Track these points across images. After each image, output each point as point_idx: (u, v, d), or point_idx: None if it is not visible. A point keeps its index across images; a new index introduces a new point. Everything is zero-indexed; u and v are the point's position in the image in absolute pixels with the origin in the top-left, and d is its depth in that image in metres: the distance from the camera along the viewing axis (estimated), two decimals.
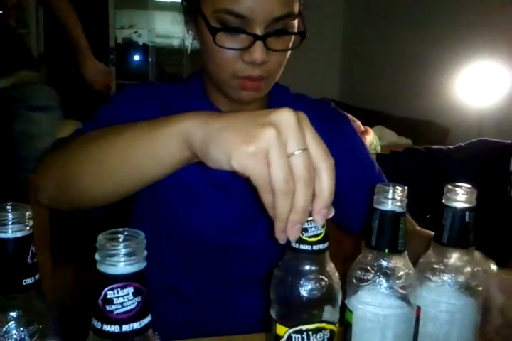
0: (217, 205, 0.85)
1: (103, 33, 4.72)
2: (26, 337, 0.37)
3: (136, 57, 5.38)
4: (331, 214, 0.49)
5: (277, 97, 0.89)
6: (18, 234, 0.36)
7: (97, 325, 0.34)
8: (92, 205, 0.69)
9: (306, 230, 0.48)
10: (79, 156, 0.64)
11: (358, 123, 2.78)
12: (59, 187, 0.67)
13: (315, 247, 0.48)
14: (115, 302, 0.33)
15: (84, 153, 0.63)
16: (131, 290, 0.34)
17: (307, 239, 0.48)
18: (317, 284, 0.48)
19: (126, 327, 0.34)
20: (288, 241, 0.49)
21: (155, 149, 0.55)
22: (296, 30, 0.76)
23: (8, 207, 0.36)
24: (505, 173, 1.61)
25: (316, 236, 0.48)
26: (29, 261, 0.37)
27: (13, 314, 0.37)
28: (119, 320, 0.34)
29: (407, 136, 3.24)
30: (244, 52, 0.72)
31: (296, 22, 0.75)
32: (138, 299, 0.34)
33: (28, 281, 0.37)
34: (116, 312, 0.34)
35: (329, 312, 0.49)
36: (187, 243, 0.85)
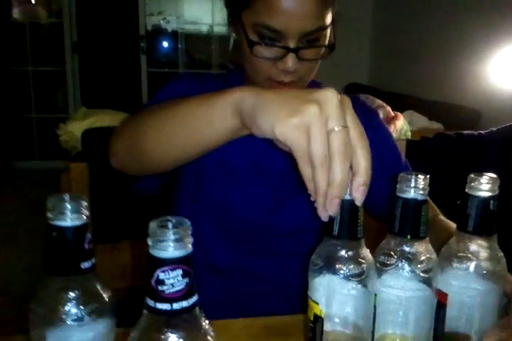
0: (256, 187, 0.92)
1: (133, 20, 4.75)
2: (85, 316, 0.42)
3: (166, 45, 5.40)
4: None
5: None
6: (76, 223, 0.40)
7: (151, 303, 0.38)
8: (156, 168, 0.76)
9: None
10: (144, 124, 0.72)
11: (388, 108, 2.78)
12: (128, 150, 0.75)
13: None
14: (166, 283, 0.38)
15: (149, 121, 0.71)
16: (180, 272, 0.38)
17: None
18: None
19: (176, 305, 0.38)
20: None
21: (210, 116, 0.61)
22: (327, 40, 0.83)
23: (66, 197, 0.41)
24: None
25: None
26: (86, 246, 0.41)
27: (72, 294, 0.41)
28: (170, 299, 0.38)
29: (439, 121, 3.20)
30: (278, 61, 0.79)
31: (328, 32, 0.82)
32: (186, 280, 0.38)
33: (86, 265, 0.41)
34: (167, 291, 0.38)
35: None
36: (227, 221, 0.91)
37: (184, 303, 0.39)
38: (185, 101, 0.66)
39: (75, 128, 2.13)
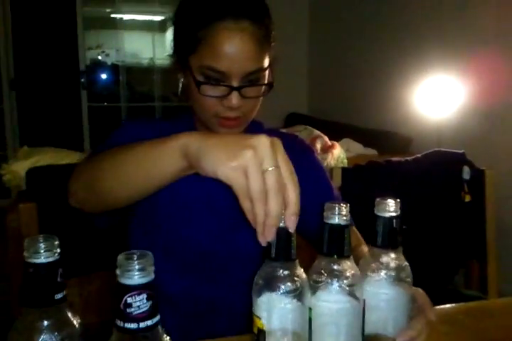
0: (205, 219, 1.00)
1: (71, 55, 4.73)
2: None
3: (107, 78, 5.39)
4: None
5: (253, 132, 1.04)
6: (50, 259, 0.47)
7: (120, 323, 0.45)
8: (113, 205, 0.84)
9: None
10: (101, 165, 0.80)
11: (326, 138, 2.94)
12: (86, 190, 0.83)
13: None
14: (133, 306, 0.44)
15: (106, 163, 0.79)
16: (144, 296, 0.45)
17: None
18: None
19: (142, 324, 0.45)
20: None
21: (161, 159, 0.70)
22: (266, 79, 0.93)
23: (40, 238, 0.47)
24: (459, 181, 1.75)
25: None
26: (59, 279, 0.47)
27: (47, 323, 0.47)
28: (137, 319, 0.45)
29: (373, 147, 3.39)
30: (223, 99, 0.89)
31: (267, 73, 0.93)
32: (150, 302, 0.45)
33: (59, 296, 0.47)
34: (134, 313, 0.45)
35: None
36: (179, 250, 0.98)
37: (149, 322, 0.45)
38: (139, 146, 0.75)
39: (18, 168, 2.13)
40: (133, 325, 0.45)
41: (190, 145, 0.66)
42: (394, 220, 0.68)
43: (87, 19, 4.76)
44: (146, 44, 5.20)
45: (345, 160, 2.77)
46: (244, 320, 0.80)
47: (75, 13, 4.67)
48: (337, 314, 0.63)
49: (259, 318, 0.61)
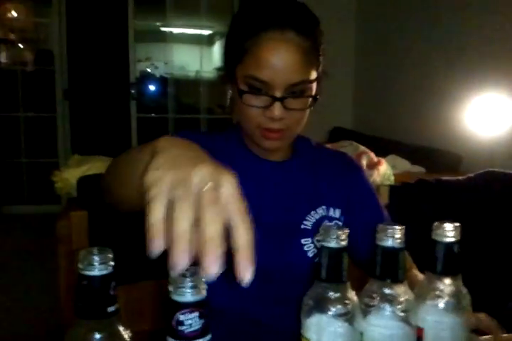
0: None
1: (122, 67, 4.87)
2: None
3: (155, 90, 5.53)
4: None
5: (301, 147, 1.07)
6: (104, 272, 0.47)
7: None
8: (125, 207, 0.78)
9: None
10: (111, 167, 0.81)
11: (372, 154, 2.89)
12: (105, 188, 0.83)
13: None
14: (185, 324, 0.44)
15: (112, 167, 0.80)
16: (197, 314, 0.45)
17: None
18: None
19: None
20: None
21: (140, 160, 0.61)
22: (312, 93, 0.92)
23: (94, 250, 0.48)
24: None
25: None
26: (111, 292, 0.48)
27: (99, 335, 0.47)
28: (189, 338, 0.45)
29: (421, 164, 3.30)
30: (266, 110, 0.89)
31: (313, 85, 0.92)
32: (202, 321, 0.45)
33: (111, 309, 0.47)
34: (186, 331, 0.44)
35: None
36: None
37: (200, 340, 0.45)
38: (134, 149, 0.72)
39: (70, 175, 2.19)
40: None
41: (157, 148, 0.57)
42: (454, 246, 0.65)
43: (138, 32, 4.90)
44: (193, 57, 5.31)
45: (392, 177, 2.72)
46: (291, 339, 0.79)
47: (127, 26, 4.82)
48: (389, 340, 0.61)
49: (309, 340, 0.60)
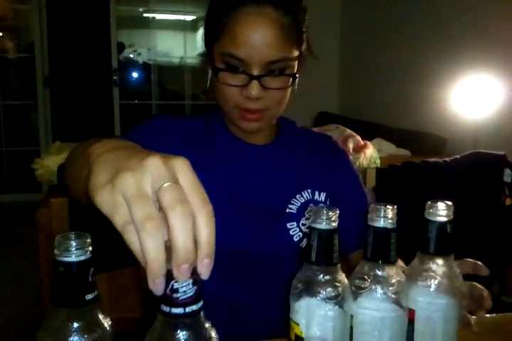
0: (241, 222, 0.93)
1: (105, 53, 4.80)
2: None
3: (138, 77, 5.47)
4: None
5: (285, 130, 1.04)
6: (81, 258, 0.44)
7: (166, 309, 0.45)
8: (79, 198, 0.72)
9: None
10: (67, 158, 0.76)
11: (358, 138, 2.88)
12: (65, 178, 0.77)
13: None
14: (180, 291, 0.44)
15: (69, 157, 0.76)
16: (190, 281, 0.44)
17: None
18: None
19: (188, 309, 0.44)
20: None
21: (80, 163, 0.59)
22: (294, 71, 0.88)
23: (71, 235, 0.45)
24: (499, 183, 1.69)
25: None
26: (90, 279, 0.45)
27: (77, 324, 0.45)
28: (183, 304, 0.44)
29: (406, 148, 3.31)
30: (243, 89, 0.85)
31: (293, 64, 0.88)
32: (195, 287, 0.45)
33: (90, 296, 0.45)
34: (181, 298, 0.44)
35: None
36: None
37: (194, 307, 0.45)
38: (85, 145, 0.62)
39: (50, 163, 2.15)
40: (179, 310, 0.44)
41: (91, 156, 0.52)
42: (447, 225, 0.62)
43: (120, 18, 4.83)
44: (177, 43, 5.25)
45: (378, 161, 2.71)
46: (279, 325, 0.77)
47: (109, 12, 4.73)
48: (381, 323, 0.59)
49: (298, 324, 0.58)
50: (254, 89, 0.84)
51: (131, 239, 0.43)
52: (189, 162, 0.47)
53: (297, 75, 0.89)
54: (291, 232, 0.94)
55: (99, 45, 4.83)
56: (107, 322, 0.47)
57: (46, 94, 4.79)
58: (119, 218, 0.44)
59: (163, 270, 0.42)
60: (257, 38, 0.82)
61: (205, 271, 0.44)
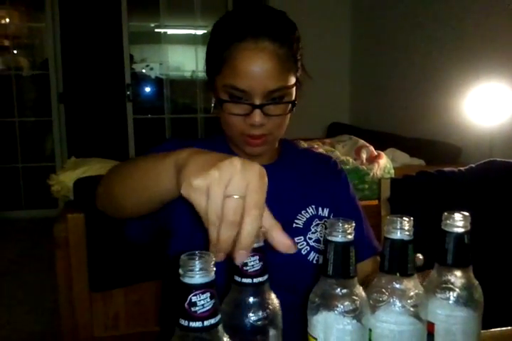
0: None
1: (118, 68, 4.86)
2: None
3: (151, 91, 5.52)
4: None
5: (287, 151, 1.09)
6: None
7: (184, 323, 0.45)
8: (122, 213, 0.84)
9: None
10: (115, 174, 0.82)
11: (371, 148, 2.87)
12: (105, 195, 0.85)
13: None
14: (198, 305, 0.45)
15: (118, 173, 0.81)
16: (208, 294, 0.45)
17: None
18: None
19: (206, 323, 0.45)
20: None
21: (158, 175, 0.67)
22: (292, 98, 0.94)
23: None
24: None
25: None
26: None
27: (254, 300, 0.54)
28: (201, 318, 0.45)
29: (420, 157, 3.28)
30: (246, 117, 0.91)
31: (291, 91, 0.94)
32: (213, 301, 0.45)
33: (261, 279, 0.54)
34: (199, 312, 0.45)
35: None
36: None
37: (212, 321, 0.46)
38: (145, 160, 0.74)
39: (66, 178, 2.16)
40: (197, 324, 0.45)
41: (178, 160, 0.63)
42: (464, 236, 0.62)
43: (132, 34, 4.89)
44: (188, 57, 5.29)
45: (392, 171, 2.69)
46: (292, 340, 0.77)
47: (121, 27, 4.79)
48: (400, 336, 0.58)
49: (316, 339, 0.57)
50: (257, 117, 0.89)
51: (214, 233, 0.55)
52: (263, 169, 0.59)
53: (296, 102, 0.95)
54: (299, 246, 0.97)
55: (112, 61, 4.89)
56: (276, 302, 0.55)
57: (61, 111, 4.85)
58: (202, 210, 0.55)
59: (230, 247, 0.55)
60: (257, 70, 0.88)
61: (239, 260, 0.54)
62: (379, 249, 1.05)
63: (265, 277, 0.54)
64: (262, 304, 0.54)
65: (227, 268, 0.56)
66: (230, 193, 0.55)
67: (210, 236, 0.55)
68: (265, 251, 0.54)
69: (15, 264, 3.45)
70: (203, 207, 0.55)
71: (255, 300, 0.54)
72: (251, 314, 0.54)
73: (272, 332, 0.55)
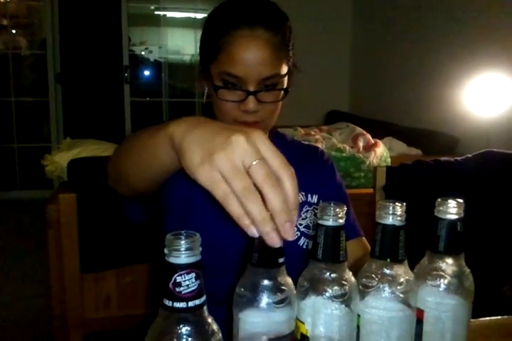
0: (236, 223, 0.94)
1: (116, 50, 4.82)
2: None
3: (150, 74, 5.48)
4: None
5: (276, 142, 1.05)
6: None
7: (168, 303, 0.45)
8: (133, 189, 0.84)
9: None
10: (120, 150, 0.83)
11: (368, 136, 2.86)
12: (114, 171, 0.85)
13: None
14: (183, 285, 0.44)
15: (123, 148, 0.81)
16: (193, 275, 0.44)
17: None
18: None
19: (191, 303, 0.45)
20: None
21: (155, 148, 0.67)
22: (284, 85, 0.96)
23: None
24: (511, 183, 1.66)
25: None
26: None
27: (269, 282, 0.54)
28: (186, 298, 0.44)
29: (417, 147, 3.28)
30: (240, 103, 0.93)
31: (284, 79, 0.96)
32: (198, 282, 0.45)
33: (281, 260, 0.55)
34: (183, 292, 0.44)
35: None
36: (217, 252, 0.94)
37: (197, 301, 0.45)
38: (144, 133, 0.73)
39: (60, 159, 2.15)
40: (182, 304, 0.44)
41: (174, 137, 0.61)
42: (457, 223, 0.61)
43: (131, 16, 4.84)
44: (188, 41, 5.24)
45: (389, 159, 2.68)
46: None
47: (120, 9, 4.74)
48: (388, 323, 0.58)
49: (303, 323, 0.57)
50: (251, 103, 0.92)
51: (234, 207, 0.52)
52: (264, 133, 0.56)
53: (289, 89, 0.97)
54: None
55: (111, 42, 4.84)
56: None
57: (58, 91, 4.81)
58: (220, 191, 0.52)
59: (271, 224, 0.51)
60: (252, 57, 0.90)
61: (290, 231, 0.52)
62: (361, 233, 1.07)
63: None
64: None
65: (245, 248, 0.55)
66: (248, 163, 0.52)
67: (252, 215, 0.51)
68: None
69: (9, 245, 3.45)
70: (223, 191, 0.52)
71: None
72: None
73: None
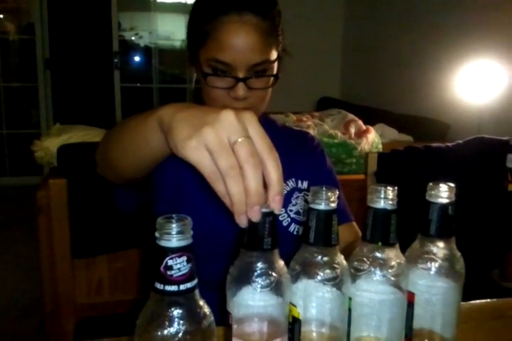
0: (226, 209, 0.94)
1: (106, 36, 4.77)
2: None
3: (140, 60, 5.43)
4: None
5: (266, 128, 1.04)
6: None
7: (160, 286, 0.45)
8: (122, 175, 0.84)
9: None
10: (109, 137, 0.82)
11: (360, 122, 2.86)
12: (102, 158, 0.85)
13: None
14: (174, 268, 0.44)
15: (111, 135, 0.80)
16: (185, 258, 0.44)
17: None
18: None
19: (182, 287, 0.45)
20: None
21: (144, 133, 0.66)
22: (274, 72, 0.95)
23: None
24: (502, 169, 1.67)
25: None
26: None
27: (262, 266, 0.54)
28: (177, 282, 0.44)
29: (408, 133, 3.29)
30: (230, 90, 0.91)
31: (274, 65, 0.95)
32: (190, 265, 0.45)
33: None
34: (175, 275, 0.44)
35: None
36: (211, 237, 0.94)
37: (188, 284, 0.45)
38: (133, 118, 0.72)
39: (50, 144, 2.13)
40: (173, 288, 0.44)
41: (164, 119, 0.61)
42: (448, 207, 0.61)
43: (121, 1, 4.77)
44: (178, 26, 5.19)
45: (380, 146, 2.69)
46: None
47: None
48: (379, 305, 0.58)
49: (295, 306, 0.57)
50: (241, 90, 0.90)
51: (218, 185, 0.52)
52: (255, 115, 0.56)
53: (279, 75, 0.96)
54: (280, 218, 0.99)
55: (100, 28, 4.78)
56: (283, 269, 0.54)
57: (47, 77, 4.76)
58: (207, 169, 0.52)
59: (245, 208, 0.51)
60: (241, 43, 0.88)
61: (277, 206, 0.53)
62: (352, 218, 1.07)
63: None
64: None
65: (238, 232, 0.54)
66: (234, 139, 0.52)
67: (232, 194, 0.51)
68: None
69: None
70: (210, 167, 0.52)
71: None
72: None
73: None
